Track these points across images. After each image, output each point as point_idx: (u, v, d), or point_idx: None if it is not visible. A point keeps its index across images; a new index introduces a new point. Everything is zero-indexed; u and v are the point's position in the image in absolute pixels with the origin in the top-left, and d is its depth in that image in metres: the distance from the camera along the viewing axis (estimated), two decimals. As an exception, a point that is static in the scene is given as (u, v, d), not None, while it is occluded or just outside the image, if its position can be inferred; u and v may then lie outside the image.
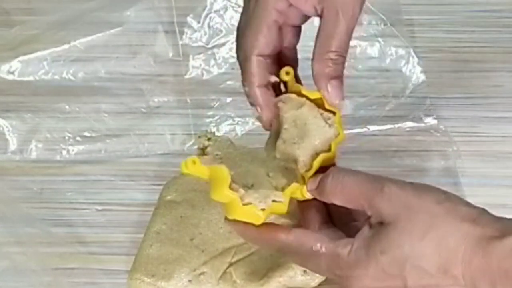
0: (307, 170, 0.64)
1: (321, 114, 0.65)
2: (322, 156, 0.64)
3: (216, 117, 0.88)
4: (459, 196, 0.60)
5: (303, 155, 0.65)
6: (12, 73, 0.90)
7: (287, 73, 0.66)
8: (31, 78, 0.90)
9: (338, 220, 0.65)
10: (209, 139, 0.83)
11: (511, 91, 0.89)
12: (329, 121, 0.65)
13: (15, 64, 0.90)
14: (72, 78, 0.90)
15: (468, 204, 0.59)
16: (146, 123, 0.88)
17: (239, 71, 0.93)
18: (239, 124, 0.87)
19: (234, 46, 0.91)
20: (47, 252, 0.77)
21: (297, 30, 0.69)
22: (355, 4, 0.64)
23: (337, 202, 0.63)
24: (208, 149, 0.82)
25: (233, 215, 0.63)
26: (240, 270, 0.73)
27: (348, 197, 0.62)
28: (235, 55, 0.91)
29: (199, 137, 0.83)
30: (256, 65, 0.67)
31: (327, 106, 0.65)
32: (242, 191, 0.62)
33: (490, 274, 0.56)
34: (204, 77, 0.91)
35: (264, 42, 0.66)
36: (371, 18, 0.91)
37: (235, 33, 0.93)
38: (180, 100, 0.89)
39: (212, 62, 0.91)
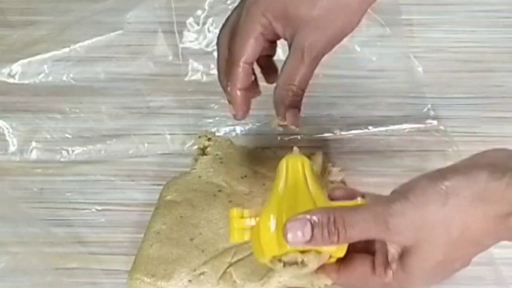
0: None
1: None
2: None
3: (216, 118, 0.88)
4: (456, 171, 0.62)
5: None
6: (13, 76, 0.90)
7: None
8: (31, 81, 0.90)
9: None
10: (209, 139, 0.83)
11: (511, 91, 0.89)
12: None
13: (16, 67, 0.90)
14: (72, 81, 0.91)
15: (470, 179, 0.61)
16: (146, 123, 0.88)
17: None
18: (239, 125, 0.87)
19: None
20: (47, 252, 0.77)
21: (275, 44, 0.76)
22: (322, 45, 0.70)
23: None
24: (208, 149, 0.83)
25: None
26: (240, 270, 0.73)
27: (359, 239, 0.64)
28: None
29: (199, 137, 0.84)
30: (242, 71, 0.73)
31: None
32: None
33: None
34: (204, 80, 0.91)
35: (251, 52, 0.72)
36: (370, 20, 0.91)
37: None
38: (180, 100, 0.89)
39: (212, 65, 0.91)
